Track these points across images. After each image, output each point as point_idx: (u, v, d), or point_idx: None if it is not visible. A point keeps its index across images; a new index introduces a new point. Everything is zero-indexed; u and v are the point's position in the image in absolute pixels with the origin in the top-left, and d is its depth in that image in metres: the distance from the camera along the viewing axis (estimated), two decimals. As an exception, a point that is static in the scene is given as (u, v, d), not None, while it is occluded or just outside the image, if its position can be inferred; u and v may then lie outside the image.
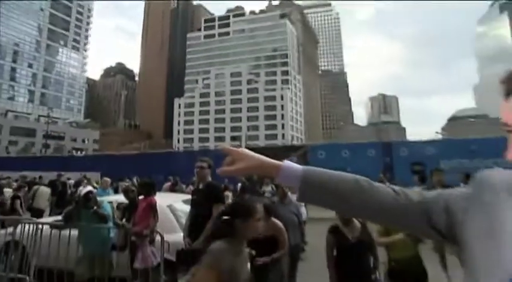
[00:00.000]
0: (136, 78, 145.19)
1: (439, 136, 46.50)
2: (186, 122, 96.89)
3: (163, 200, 4.25)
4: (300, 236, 3.97)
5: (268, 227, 2.91)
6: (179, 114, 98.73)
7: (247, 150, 0.83)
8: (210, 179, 3.55)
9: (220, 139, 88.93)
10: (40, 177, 11.51)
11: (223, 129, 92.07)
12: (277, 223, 2.92)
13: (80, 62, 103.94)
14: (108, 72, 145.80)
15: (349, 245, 2.34)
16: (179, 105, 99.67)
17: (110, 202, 4.43)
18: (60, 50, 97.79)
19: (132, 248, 3.66)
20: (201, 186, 3.54)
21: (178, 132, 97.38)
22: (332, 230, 2.55)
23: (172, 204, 4.41)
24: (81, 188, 4.22)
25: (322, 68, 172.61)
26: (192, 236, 3.38)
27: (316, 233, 3.96)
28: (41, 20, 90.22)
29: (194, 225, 3.41)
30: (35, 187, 8.53)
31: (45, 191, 8.15)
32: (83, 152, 55.69)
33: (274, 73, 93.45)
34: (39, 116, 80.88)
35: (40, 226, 4.22)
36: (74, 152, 54.30)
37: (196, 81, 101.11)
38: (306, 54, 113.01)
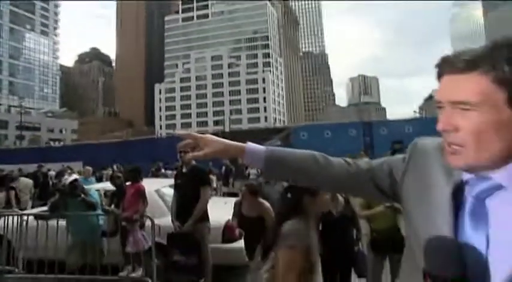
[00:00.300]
0: (114, 64, 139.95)
1: (417, 115, 47.94)
2: (168, 108, 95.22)
3: (150, 185, 4.28)
4: None
5: (256, 208, 3.03)
6: (160, 100, 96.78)
7: (211, 136, 0.88)
8: (194, 162, 3.57)
9: (202, 124, 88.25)
10: (20, 169, 11.18)
11: (205, 114, 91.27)
12: (264, 203, 3.02)
13: (51, 48, 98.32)
14: (83, 59, 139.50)
15: (334, 219, 2.47)
16: (160, 90, 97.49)
17: (97, 190, 4.44)
18: (27, 34, 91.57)
19: (123, 233, 3.71)
20: (184, 169, 3.57)
21: (160, 118, 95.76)
22: None
23: (160, 189, 4.46)
24: (66, 177, 4.16)
25: (304, 50, 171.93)
26: (180, 219, 3.46)
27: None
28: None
29: (181, 208, 3.48)
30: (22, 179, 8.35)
31: (26, 182, 7.95)
32: (61, 143, 53.94)
33: (255, 56, 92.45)
34: (10, 106, 76.81)
35: (25, 217, 4.17)
36: (51, 142, 52.47)
37: (176, 65, 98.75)
38: (287, 37, 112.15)
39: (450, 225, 0.63)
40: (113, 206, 3.92)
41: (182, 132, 0.90)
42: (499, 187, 0.60)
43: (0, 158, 16.31)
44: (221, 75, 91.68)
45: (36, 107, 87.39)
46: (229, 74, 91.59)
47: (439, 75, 0.65)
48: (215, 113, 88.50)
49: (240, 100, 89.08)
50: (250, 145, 0.85)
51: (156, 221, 3.66)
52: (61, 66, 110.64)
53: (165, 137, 24.78)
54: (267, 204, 3.10)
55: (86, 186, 4.27)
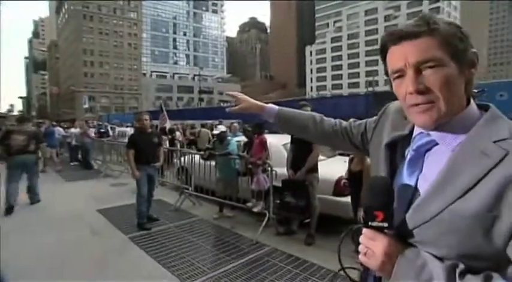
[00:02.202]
0: (268, 31, 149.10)
1: None
2: (319, 69, 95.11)
3: (280, 140, 5.04)
4: None
5: (360, 163, 3.33)
6: (311, 62, 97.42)
7: (243, 95, 1.19)
8: None
9: (354, 85, 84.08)
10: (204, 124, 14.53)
11: (357, 75, 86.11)
12: (367, 159, 3.27)
13: (219, 24, 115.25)
14: (243, 28, 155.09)
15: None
16: (310, 52, 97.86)
17: (238, 141, 5.63)
18: (203, 15, 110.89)
19: (250, 174, 4.69)
20: None
21: (311, 80, 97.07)
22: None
23: (287, 144, 5.17)
24: (219, 127, 5.48)
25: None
26: (294, 169, 4.04)
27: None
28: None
29: (295, 160, 4.04)
30: (198, 129, 11.59)
31: (206, 132, 10.61)
32: (228, 104, 63.63)
33: (419, 2, 77.57)
34: (194, 75, 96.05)
35: (196, 156, 5.85)
36: (221, 104, 62.60)
37: (327, 25, 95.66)
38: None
39: (385, 172, 0.78)
40: (244, 153, 4.94)
41: (230, 93, 1.24)
42: (435, 143, 0.70)
43: (189, 115, 21.09)
44: (376, 31, 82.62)
45: (210, 75, 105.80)
46: (386, 29, 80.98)
47: (387, 48, 0.73)
48: (367, 74, 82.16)
49: (397, 57, 78.52)
50: (268, 105, 1.14)
51: (278, 169, 4.40)
52: (226, 37, 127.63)
53: (315, 98, 25.38)
54: (369, 160, 3.27)
55: (229, 138, 5.48)
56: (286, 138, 6.20)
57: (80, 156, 11.36)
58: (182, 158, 6.61)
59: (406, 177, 0.74)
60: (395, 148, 0.80)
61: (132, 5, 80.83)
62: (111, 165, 9.40)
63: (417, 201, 0.68)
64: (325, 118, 1.11)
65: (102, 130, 14.23)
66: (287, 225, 4.28)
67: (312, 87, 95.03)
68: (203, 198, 5.63)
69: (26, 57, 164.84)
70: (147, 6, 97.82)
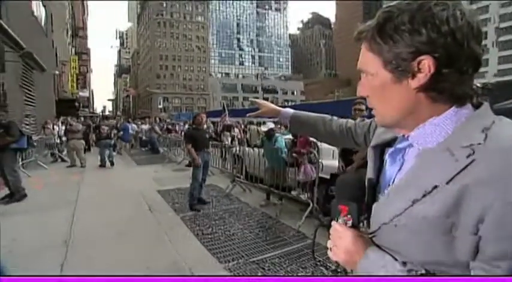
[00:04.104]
0: (333, 27, 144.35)
1: None
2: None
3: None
4: None
5: None
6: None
7: (265, 102, 1.35)
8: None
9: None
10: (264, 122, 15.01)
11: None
12: None
13: (283, 21, 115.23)
14: (306, 25, 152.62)
15: None
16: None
17: (287, 138, 5.68)
18: (266, 15, 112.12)
19: (297, 164, 4.67)
20: None
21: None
22: None
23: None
24: (267, 124, 5.67)
25: None
26: (345, 161, 3.90)
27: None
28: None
29: (345, 152, 3.89)
30: (252, 127, 11.87)
31: (254, 129, 10.91)
32: (292, 103, 63.60)
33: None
34: (258, 74, 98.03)
35: (247, 148, 6.14)
36: (285, 103, 62.81)
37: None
38: None
39: (371, 172, 0.77)
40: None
41: (253, 99, 1.42)
42: (410, 145, 0.69)
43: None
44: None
45: (275, 74, 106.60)
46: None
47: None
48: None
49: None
50: (284, 109, 1.24)
51: (326, 161, 4.38)
52: (290, 35, 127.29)
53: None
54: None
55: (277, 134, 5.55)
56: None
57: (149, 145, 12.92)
58: (236, 148, 7.07)
59: (385, 176, 0.73)
60: (384, 150, 0.79)
61: (199, 9, 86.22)
62: (174, 151, 10.68)
63: (379, 201, 0.68)
64: (335, 119, 1.15)
65: (170, 127, 15.56)
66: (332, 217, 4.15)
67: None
68: (253, 185, 5.86)
69: (115, 65, 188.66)
70: (212, 9, 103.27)
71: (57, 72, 18.38)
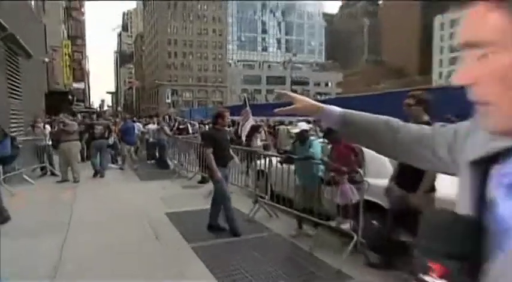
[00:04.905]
0: (380, 1, 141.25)
1: None
2: (453, 49, 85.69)
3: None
4: None
5: None
6: (441, 38, 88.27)
7: (299, 95, 1.21)
8: (426, 117, 3.45)
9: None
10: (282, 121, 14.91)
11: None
12: None
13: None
14: (347, 2, 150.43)
15: None
16: (441, 24, 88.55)
17: (323, 142, 5.46)
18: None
19: (334, 183, 4.47)
20: None
21: (441, 63, 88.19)
22: None
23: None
24: (299, 124, 5.46)
25: None
26: (403, 185, 3.51)
27: None
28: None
29: (403, 172, 3.52)
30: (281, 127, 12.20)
31: (284, 130, 10.88)
32: (326, 96, 62.95)
33: None
34: (284, 62, 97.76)
35: (273, 159, 5.98)
36: (317, 96, 62.23)
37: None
38: None
39: (470, 202, 0.63)
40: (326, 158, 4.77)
41: (280, 91, 1.30)
42: None
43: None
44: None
45: (305, 61, 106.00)
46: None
47: None
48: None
49: None
50: (329, 107, 1.10)
51: (375, 180, 4.07)
52: (324, 14, 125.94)
53: (444, 87, 22.90)
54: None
55: (312, 138, 5.36)
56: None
57: (156, 153, 12.83)
58: (260, 161, 6.78)
59: (497, 214, 0.58)
60: (490, 166, 0.63)
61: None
62: (185, 164, 10.49)
63: (497, 260, 0.55)
64: (401, 122, 1.00)
65: (182, 126, 15.68)
66: (384, 255, 3.93)
67: (441, 73, 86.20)
68: (281, 209, 5.70)
69: (115, 51, 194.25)
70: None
71: (46, 59, 18.93)
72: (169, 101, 69.71)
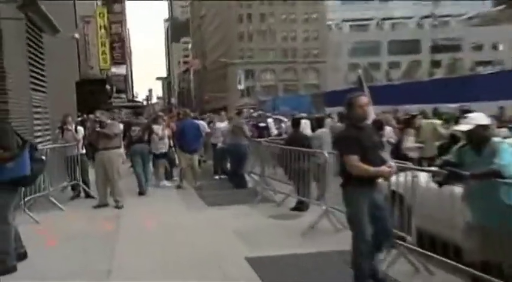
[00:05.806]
0: None
1: None
2: None
3: None
4: None
5: None
6: None
7: None
8: None
9: None
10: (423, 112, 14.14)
11: None
12: None
13: None
14: None
15: None
16: None
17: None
18: None
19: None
20: None
21: None
22: None
23: None
24: (472, 115, 4.94)
25: None
26: None
27: None
28: None
29: None
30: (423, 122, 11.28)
31: (431, 126, 10.32)
32: (494, 68, 58.31)
33: None
34: (422, 17, 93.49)
35: (421, 175, 5.64)
36: (477, 69, 58.14)
37: None
38: None
39: None
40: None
41: None
42: None
43: (410, 94, 20.20)
44: None
45: (455, 13, 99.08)
46: None
47: None
48: None
49: None
50: None
51: None
52: None
53: None
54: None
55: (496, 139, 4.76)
56: None
57: (228, 165, 13.03)
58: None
59: None
60: None
61: None
62: (272, 181, 10.52)
63: None
64: None
65: (262, 124, 15.79)
66: None
67: None
68: (437, 260, 5.29)
69: (165, 20, 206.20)
70: None
71: (76, 35, 20.50)
72: (241, 86, 71.85)
